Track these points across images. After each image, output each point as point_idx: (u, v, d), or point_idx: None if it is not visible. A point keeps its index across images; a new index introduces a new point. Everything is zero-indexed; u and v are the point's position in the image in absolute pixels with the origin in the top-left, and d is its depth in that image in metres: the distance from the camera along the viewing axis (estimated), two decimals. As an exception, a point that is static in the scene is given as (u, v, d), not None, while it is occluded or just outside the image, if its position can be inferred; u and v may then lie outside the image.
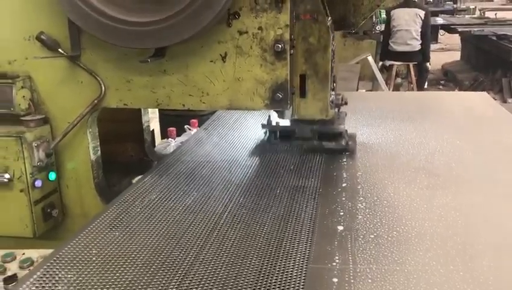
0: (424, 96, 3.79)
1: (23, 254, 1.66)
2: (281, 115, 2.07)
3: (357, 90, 4.45)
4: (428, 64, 7.49)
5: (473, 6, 18.95)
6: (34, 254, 1.61)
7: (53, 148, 1.89)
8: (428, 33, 7.40)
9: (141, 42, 1.68)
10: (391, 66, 7.44)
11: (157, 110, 3.80)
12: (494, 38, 9.58)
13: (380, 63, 7.52)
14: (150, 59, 1.73)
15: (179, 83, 1.81)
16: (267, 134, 2.20)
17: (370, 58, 6.57)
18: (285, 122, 2.11)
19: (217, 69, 1.76)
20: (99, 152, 1.99)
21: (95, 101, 1.85)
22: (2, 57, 1.89)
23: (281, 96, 1.71)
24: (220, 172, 1.93)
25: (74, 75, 1.86)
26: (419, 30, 7.17)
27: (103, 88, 1.84)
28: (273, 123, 2.14)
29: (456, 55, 12.34)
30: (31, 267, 1.54)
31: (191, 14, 1.59)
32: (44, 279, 1.21)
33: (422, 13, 7.22)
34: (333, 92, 1.97)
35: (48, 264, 1.28)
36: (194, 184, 1.81)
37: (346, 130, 2.14)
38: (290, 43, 1.70)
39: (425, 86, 8.12)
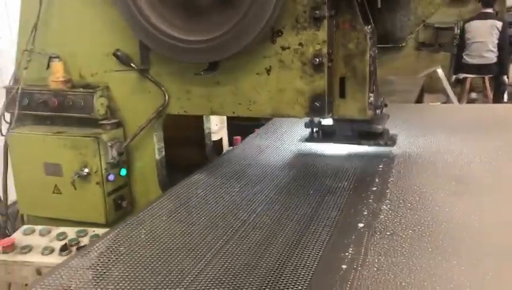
0: (485, 109, 3.75)
1: (93, 231, 1.97)
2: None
3: (422, 102, 4.44)
4: (505, 77, 7.21)
5: None
6: (102, 231, 1.90)
7: (124, 148, 2.18)
8: (507, 45, 7.11)
9: (197, 57, 1.94)
10: (465, 79, 7.25)
11: (225, 120, 4.08)
12: None
13: (454, 76, 7.35)
14: (203, 72, 1.97)
15: (230, 93, 2.03)
16: (310, 134, 2.36)
17: (440, 71, 6.46)
18: (327, 122, 2.26)
19: (262, 81, 1.97)
20: (163, 153, 2.27)
21: (160, 108, 2.12)
22: (87, 70, 2.22)
23: (318, 105, 1.89)
24: (262, 173, 2.13)
25: (143, 86, 2.15)
26: (496, 42, 6.94)
27: (167, 97, 2.11)
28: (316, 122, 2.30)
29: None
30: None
31: (237, 34, 1.83)
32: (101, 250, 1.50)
33: (499, 24, 6.98)
34: (373, 94, 2.07)
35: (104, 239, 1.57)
36: (237, 183, 2.04)
37: (388, 131, 2.26)
38: (328, 57, 1.87)
39: (505, 100, 7.80)
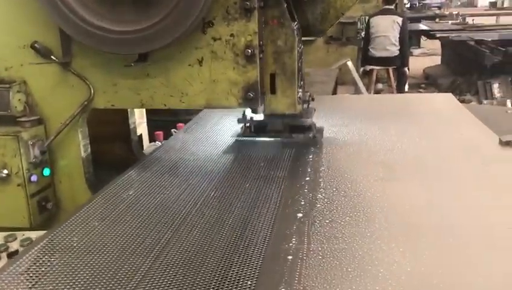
0: (394, 99, 3.94)
1: (23, 235, 1.78)
2: (255, 110, 2.19)
3: (336, 94, 4.57)
4: (406, 69, 7.67)
5: (456, 12, 19.22)
6: (33, 234, 1.73)
7: (47, 146, 2.00)
8: (406, 39, 7.57)
9: (125, 48, 1.83)
10: (371, 70, 7.61)
11: (145, 115, 3.92)
12: (472, 43, 9.78)
13: (361, 68, 7.69)
14: (134, 63, 1.87)
15: (161, 85, 1.94)
16: (243, 128, 2.33)
17: (350, 63, 6.73)
18: (259, 117, 2.24)
19: (194, 72, 1.90)
20: (89, 150, 2.11)
21: (85, 103, 1.97)
22: (0, 64, 2.01)
23: (252, 95, 1.87)
24: (195, 168, 2.06)
25: (66, 80, 1.98)
26: (397, 36, 7.34)
27: (92, 91, 1.96)
28: (248, 118, 2.28)
29: (438, 60, 12.55)
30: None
31: (168, 24, 1.74)
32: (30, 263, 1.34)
33: (399, 20, 7.39)
34: (301, 89, 2.09)
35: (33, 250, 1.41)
36: (171, 179, 1.95)
37: (315, 124, 2.30)
38: (259, 48, 1.85)
39: (406, 90, 8.29)
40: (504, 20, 18.08)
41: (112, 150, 2.63)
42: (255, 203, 1.68)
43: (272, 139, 2.29)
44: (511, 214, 1.56)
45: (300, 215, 1.58)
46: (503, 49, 9.04)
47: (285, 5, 1.93)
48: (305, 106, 2.24)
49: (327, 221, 1.53)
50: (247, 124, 2.33)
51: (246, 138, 2.32)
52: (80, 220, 1.58)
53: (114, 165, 2.56)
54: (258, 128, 2.28)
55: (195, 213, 1.62)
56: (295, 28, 1.96)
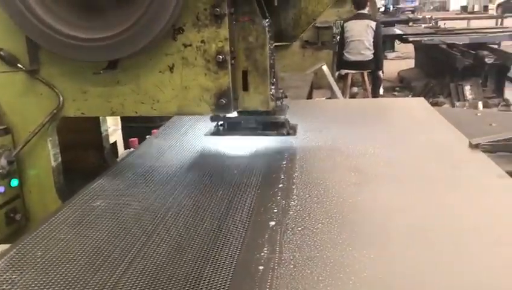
0: (368, 103, 3.96)
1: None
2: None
3: (312, 98, 4.58)
4: (380, 72, 7.74)
5: (429, 16, 19.58)
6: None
7: (15, 156, 1.95)
8: (380, 43, 7.64)
9: (94, 56, 1.79)
10: (346, 74, 7.66)
11: (119, 122, 3.86)
12: (443, 46, 9.94)
13: (337, 72, 7.74)
14: (103, 71, 1.83)
15: (131, 92, 1.91)
16: (217, 127, 2.30)
17: (325, 68, 6.76)
18: (232, 114, 2.21)
19: (165, 79, 1.87)
20: (59, 159, 2.06)
21: (54, 112, 1.92)
22: (-37, 72, 1.95)
23: (224, 101, 1.85)
24: (168, 175, 2.02)
25: (34, 88, 1.93)
26: (372, 40, 7.41)
27: (61, 99, 1.91)
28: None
29: (412, 63, 12.71)
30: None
31: (137, 31, 1.71)
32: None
33: (373, 24, 7.46)
34: (273, 86, 2.07)
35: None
36: (142, 187, 1.91)
37: (288, 121, 2.30)
38: (231, 54, 1.84)
39: (381, 93, 8.37)
40: (474, 23, 18.48)
41: (85, 158, 2.58)
42: (227, 211, 1.66)
43: (245, 139, 2.26)
44: (480, 216, 1.57)
45: (272, 223, 1.56)
46: (474, 52, 9.23)
47: (256, 3, 1.91)
48: (279, 102, 2.22)
49: (299, 228, 1.52)
50: (220, 122, 2.29)
51: (220, 136, 2.29)
52: (46, 232, 1.54)
53: (87, 173, 2.51)
54: (231, 126, 2.25)
55: (166, 223, 1.58)
56: (266, 25, 1.94)
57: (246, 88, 1.96)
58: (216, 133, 2.29)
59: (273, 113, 2.16)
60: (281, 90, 2.21)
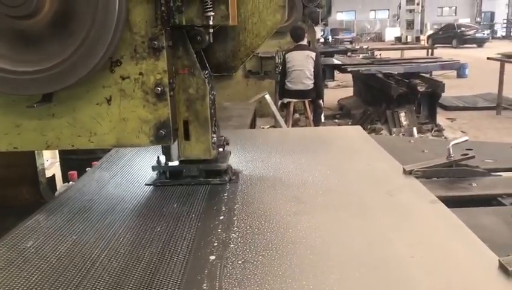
0: (308, 132, 4.03)
1: None
2: (169, 157, 2.14)
3: (255, 126, 4.61)
4: (321, 101, 7.96)
5: (366, 46, 20.48)
6: None
7: None
8: (320, 73, 7.89)
9: (27, 89, 1.72)
10: (289, 103, 7.82)
11: (57, 155, 3.72)
12: (380, 75, 10.40)
13: (280, 101, 7.88)
14: (36, 104, 1.76)
15: (67, 125, 1.85)
16: (158, 175, 2.25)
17: (267, 97, 6.86)
18: (174, 163, 2.18)
19: (103, 111, 1.83)
20: (-12, 196, 1.95)
21: (-17, 147, 1.83)
22: None
23: (164, 132, 1.84)
24: (106, 210, 1.95)
25: (-39, 123, 1.83)
26: (312, 70, 7.63)
27: (-9, 134, 1.83)
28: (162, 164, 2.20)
29: (351, 91, 13.17)
30: None
31: (72, 64, 1.67)
32: None
33: (313, 54, 7.70)
34: (215, 135, 2.09)
35: None
36: (78, 223, 1.83)
37: (231, 167, 2.27)
38: (170, 86, 1.84)
39: (323, 121, 8.58)
40: (408, 54, 19.52)
41: (19, 195, 2.46)
42: (166, 247, 1.61)
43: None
44: (411, 242, 1.61)
45: (212, 257, 1.53)
46: (407, 80, 9.71)
47: (195, 55, 1.93)
48: (220, 149, 2.23)
49: (240, 262, 1.49)
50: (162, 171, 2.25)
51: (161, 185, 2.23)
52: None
53: (22, 210, 2.38)
54: (173, 174, 2.22)
55: (100, 264, 1.51)
56: (206, 76, 1.97)
57: (187, 138, 1.99)
58: (158, 181, 2.23)
59: (215, 160, 2.16)
60: (222, 137, 2.22)
